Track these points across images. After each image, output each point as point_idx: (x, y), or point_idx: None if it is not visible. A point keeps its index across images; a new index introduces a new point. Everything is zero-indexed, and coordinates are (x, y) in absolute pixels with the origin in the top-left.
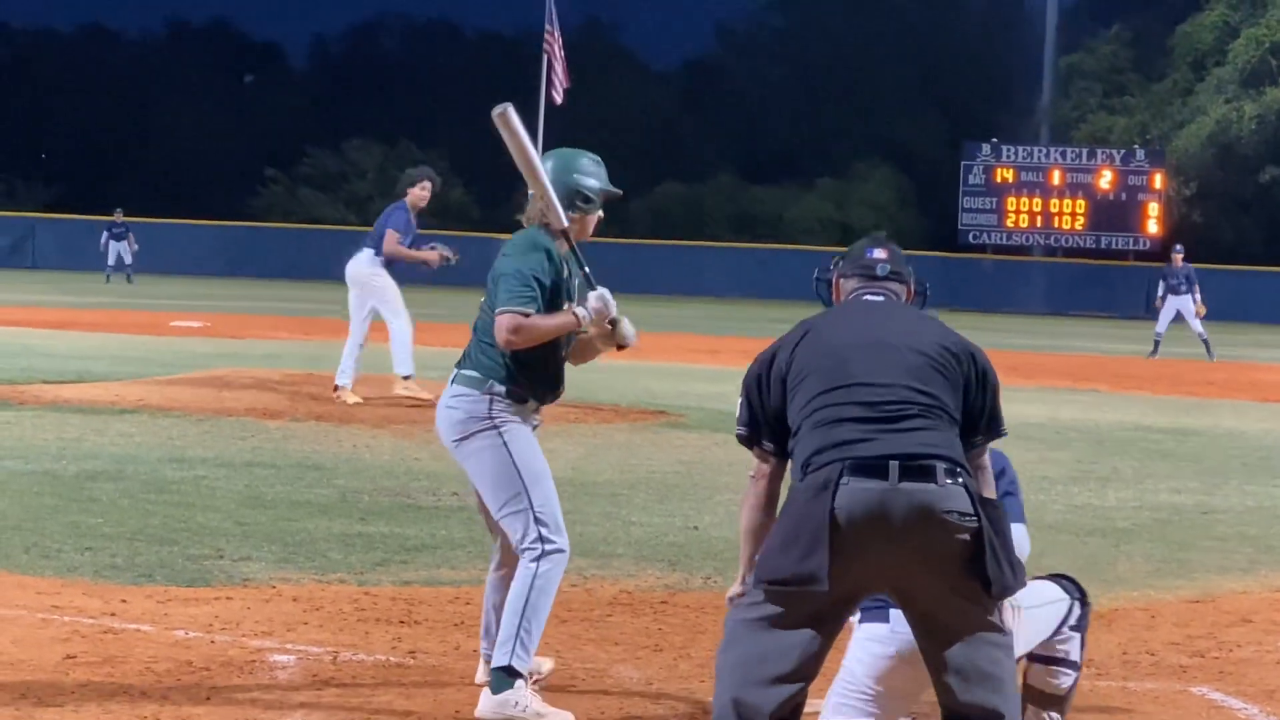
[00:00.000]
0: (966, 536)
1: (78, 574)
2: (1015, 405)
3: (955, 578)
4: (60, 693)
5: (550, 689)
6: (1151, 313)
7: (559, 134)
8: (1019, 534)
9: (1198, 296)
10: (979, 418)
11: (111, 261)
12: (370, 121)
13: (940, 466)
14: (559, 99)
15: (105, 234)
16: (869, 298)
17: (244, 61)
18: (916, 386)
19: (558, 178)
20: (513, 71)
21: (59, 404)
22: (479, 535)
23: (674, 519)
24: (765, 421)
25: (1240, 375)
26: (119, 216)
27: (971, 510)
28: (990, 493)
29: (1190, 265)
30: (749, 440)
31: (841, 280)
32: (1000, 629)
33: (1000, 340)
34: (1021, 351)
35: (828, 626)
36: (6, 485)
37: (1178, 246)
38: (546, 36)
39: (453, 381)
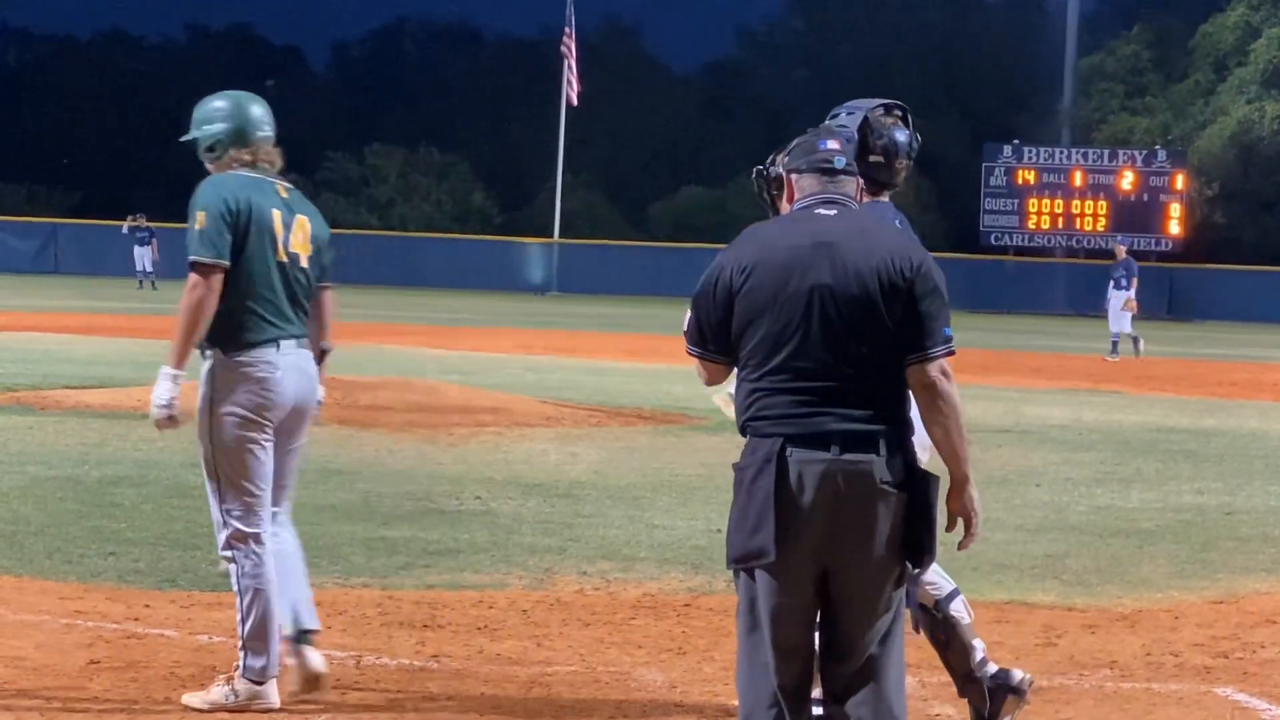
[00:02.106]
0: (903, 507)
1: (101, 579)
2: (1039, 407)
3: (885, 547)
4: (84, 698)
5: (574, 693)
6: (1174, 314)
7: (580, 137)
8: None
9: (1132, 291)
10: (914, 331)
11: (139, 267)
12: (391, 126)
13: (882, 440)
14: (574, 100)
15: (133, 239)
16: (822, 211)
17: (265, 66)
18: (859, 352)
19: (243, 116)
20: (532, 75)
21: (81, 409)
22: (502, 539)
23: (697, 522)
24: (715, 336)
25: (1263, 376)
26: (142, 221)
27: (908, 480)
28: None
29: (1132, 259)
30: (701, 355)
31: (795, 176)
32: (898, 599)
33: (1023, 341)
34: (1044, 353)
35: (806, 598)
36: (29, 490)
37: (1120, 238)
38: (565, 40)
39: (299, 346)
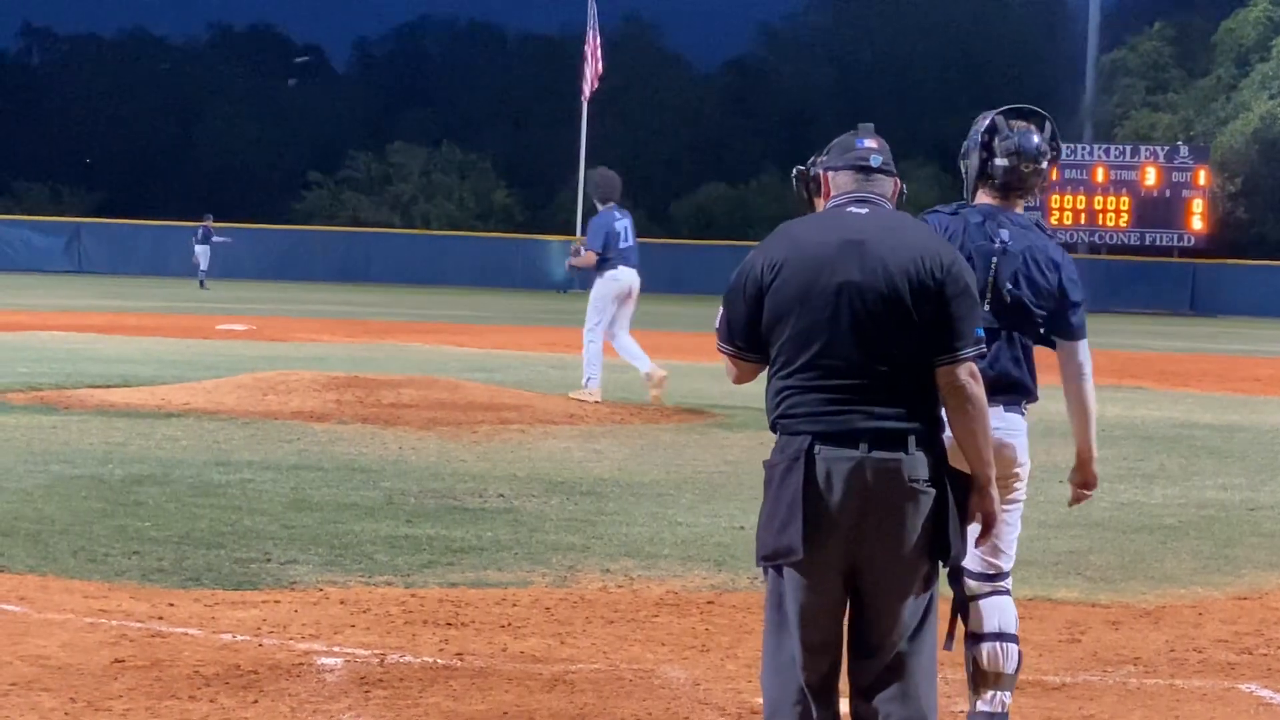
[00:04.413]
0: (931, 504)
1: (125, 578)
2: (1061, 403)
3: (913, 544)
4: (108, 696)
5: (597, 691)
6: (1197, 309)
7: (602, 134)
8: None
9: None
10: (944, 332)
11: (204, 266)
12: (413, 124)
13: (911, 438)
14: (588, 91)
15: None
16: (854, 210)
17: (287, 65)
18: (888, 350)
19: None
20: (554, 73)
21: (105, 408)
22: (525, 537)
23: (720, 519)
24: (745, 334)
25: None
26: (210, 222)
27: (938, 478)
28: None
29: None
30: (732, 353)
31: (831, 174)
32: (928, 595)
33: None
34: None
35: (834, 595)
36: (53, 489)
37: None
38: (589, 39)
39: None
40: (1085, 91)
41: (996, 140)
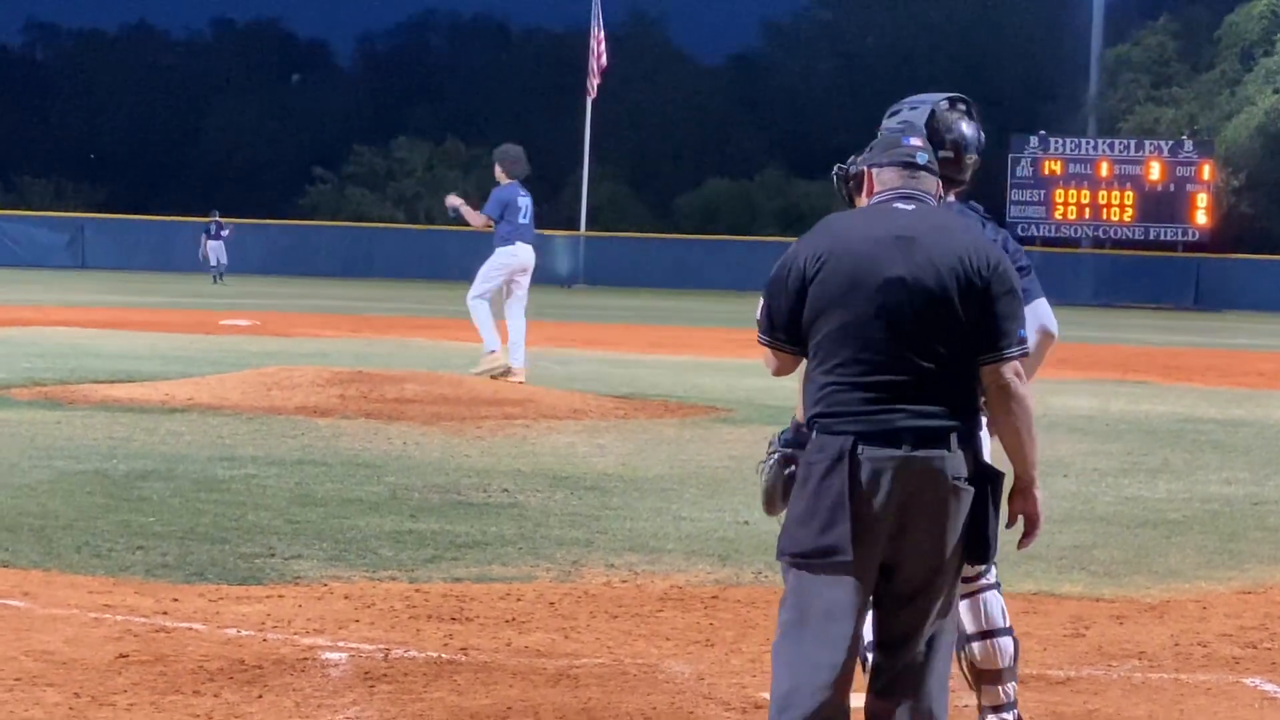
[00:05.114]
0: (971, 501)
1: (129, 573)
2: (1065, 397)
3: (951, 543)
4: (112, 691)
5: (602, 685)
6: (1201, 304)
7: (606, 129)
8: (1043, 309)
9: None
10: (989, 331)
11: (214, 261)
12: (417, 119)
13: (953, 436)
14: (593, 86)
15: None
16: (899, 205)
17: (291, 61)
18: (932, 348)
19: None
20: (558, 68)
21: (109, 403)
22: (529, 532)
23: (724, 514)
24: (785, 325)
25: None
26: (216, 217)
27: (977, 476)
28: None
29: None
30: (771, 344)
31: (876, 171)
32: (955, 594)
33: None
34: (1071, 343)
35: (866, 593)
36: (57, 485)
37: None
38: (595, 36)
39: None
40: (1089, 86)
41: (940, 132)
